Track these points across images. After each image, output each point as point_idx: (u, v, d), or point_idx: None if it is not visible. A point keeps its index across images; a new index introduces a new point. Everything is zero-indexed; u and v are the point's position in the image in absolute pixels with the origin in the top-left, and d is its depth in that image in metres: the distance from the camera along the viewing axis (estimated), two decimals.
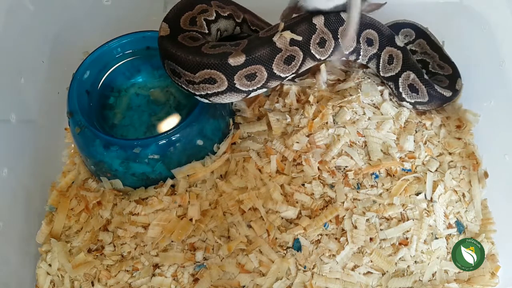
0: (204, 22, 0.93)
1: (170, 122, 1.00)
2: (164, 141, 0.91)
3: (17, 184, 0.92)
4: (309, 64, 0.93)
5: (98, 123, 0.99)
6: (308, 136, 1.00)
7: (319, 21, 0.89)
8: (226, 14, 0.98)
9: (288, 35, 0.85)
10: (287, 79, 0.95)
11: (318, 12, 0.88)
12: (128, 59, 1.06)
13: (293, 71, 0.90)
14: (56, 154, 1.06)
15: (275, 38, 0.84)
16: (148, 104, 1.03)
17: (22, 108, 0.97)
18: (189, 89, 0.89)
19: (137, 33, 1.04)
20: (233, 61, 0.82)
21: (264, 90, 0.91)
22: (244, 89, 0.87)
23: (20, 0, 0.98)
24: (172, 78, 0.90)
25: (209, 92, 0.87)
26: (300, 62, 0.89)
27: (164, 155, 0.92)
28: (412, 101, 1.02)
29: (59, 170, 1.04)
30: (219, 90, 0.87)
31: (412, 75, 0.99)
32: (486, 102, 1.04)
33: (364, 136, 0.99)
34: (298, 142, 0.99)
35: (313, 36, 0.89)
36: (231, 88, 0.86)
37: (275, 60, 0.85)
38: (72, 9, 1.12)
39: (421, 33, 1.13)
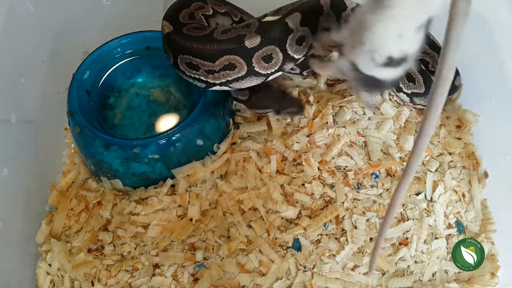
0: (202, 17, 0.93)
1: (170, 122, 1.00)
2: (164, 141, 0.91)
3: (17, 184, 0.92)
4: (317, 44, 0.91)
5: (98, 123, 0.99)
6: (308, 136, 1.00)
7: (326, 2, 0.89)
8: (223, 11, 0.98)
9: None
10: (295, 71, 0.96)
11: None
12: (128, 59, 1.06)
13: (304, 52, 0.89)
14: (56, 154, 1.06)
15: (287, 20, 0.84)
16: (148, 104, 1.03)
17: (22, 108, 0.97)
18: (208, 80, 0.87)
19: (137, 33, 1.04)
20: (249, 43, 0.82)
21: (280, 73, 0.90)
22: (263, 72, 0.86)
23: (20, 0, 0.98)
24: (186, 73, 0.88)
25: (229, 78, 0.86)
26: (310, 42, 0.88)
27: (164, 155, 0.92)
28: (409, 91, 1.01)
29: (59, 170, 1.04)
30: (239, 75, 0.85)
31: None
32: (486, 102, 1.04)
33: (364, 136, 1.00)
34: (298, 142, 0.99)
35: (320, 19, 0.89)
36: (251, 72, 0.85)
37: (288, 40, 0.84)
38: (72, 9, 1.12)
39: None
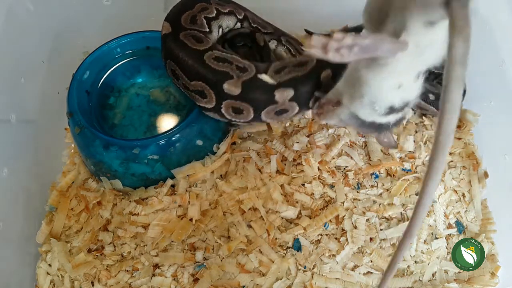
0: (204, 21, 0.92)
1: (170, 122, 1.00)
2: (164, 141, 0.91)
3: (17, 184, 0.92)
4: (301, 115, 0.93)
5: (98, 123, 0.99)
6: (308, 136, 1.00)
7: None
8: (226, 11, 0.98)
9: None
10: None
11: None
12: (128, 59, 1.06)
13: (282, 120, 0.87)
14: (56, 154, 1.06)
15: (276, 93, 0.80)
16: (148, 104, 1.03)
17: (22, 108, 0.97)
18: (184, 93, 0.89)
19: (137, 33, 1.04)
20: (227, 88, 0.80)
21: (247, 124, 0.90)
22: (228, 117, 0.86)
23: (20, 0, 0.98)
24: (171, 79, 0.90)
25: (197, 103, 0.87)
26: (293, 114, 0.86)
27: (163, 155, 0.92)
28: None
29: (59, 170, 1.04)
30: (206, 106, 0.86)
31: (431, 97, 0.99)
32: (486, 102, 1.04)
33: (364, 136, 1.00)
34: (298, 142, 0.99)
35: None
36: (217, 110, 0.85)
37: (267, 109, 0.82)
38: (72, 9, 1.12)
39: None
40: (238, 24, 1.02)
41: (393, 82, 0.61)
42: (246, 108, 0.82)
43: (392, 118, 0.70)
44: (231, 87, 0.80)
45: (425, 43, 0.53)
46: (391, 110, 0.66)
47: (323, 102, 0.77)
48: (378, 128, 0.74)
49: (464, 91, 1.04)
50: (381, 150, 0.99)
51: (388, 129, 0.77)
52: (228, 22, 0.99)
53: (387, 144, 0.82)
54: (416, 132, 1.02)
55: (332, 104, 0.75)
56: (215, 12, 0.95)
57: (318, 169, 0.96)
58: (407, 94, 0.64)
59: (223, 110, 0.84)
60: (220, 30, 0.98)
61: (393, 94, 0.64)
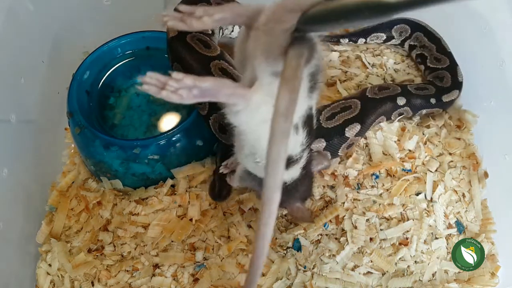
0: None
1: (170, 122, 0.99)
2: (164, 141, 0.91)
3: (17, 184, 0.92)
4: None
5: (98, 123, 0.99)
6: None
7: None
8: None
9: None
10: None
11: None
12: (128, 59, 1.06)
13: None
14: (56, 154, 1.06)
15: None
16: (148, 104, 1.03)
17: (22, 108, 0.97)
18: None
19: (137, 33, 1.04)
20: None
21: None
22: (213, 130, 0.87)
23: (20, 0, 0.98)
24: None
25: (195, 107, 0.88)
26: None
27: (164, 156, 0.92)
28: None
29: (59, 170, 1.04)
30: (201, 112, 0.87)
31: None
32: (486, 102, 1.04)
33: (366, 138, 0.99)
34: None
35: None
36: (206, 120, 0.87)
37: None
38: (72, 9, 1.12)
39: (416, 26, 1.12)
40: (236, 27, 1.02)
41: (264, 132, 0.56)
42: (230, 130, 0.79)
43: (287, 174, 0.66)
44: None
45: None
46: None
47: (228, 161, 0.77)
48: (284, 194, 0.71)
49: (460, 83, 1.03)
50: (383, 152, 0.99)
51: (294, 198, 0.74)
52: (227, 25, 0.99)
53: (302, 219, 0.79)
54: (416, 132, 1.02)
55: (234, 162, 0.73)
56: None
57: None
58: (290, 146, 0.60)
59: (210, 122, 0.85)
60: (221, 32, 0.98)
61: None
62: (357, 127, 0.85)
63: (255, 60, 0.50)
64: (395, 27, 1.13)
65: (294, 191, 0.72)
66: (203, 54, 0.84)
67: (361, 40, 1.15)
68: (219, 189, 0.87)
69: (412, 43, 1.12)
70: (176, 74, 0.45)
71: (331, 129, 0.84)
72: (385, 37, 1.15)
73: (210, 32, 0.93)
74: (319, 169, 0.84)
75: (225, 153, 0.87)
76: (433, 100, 0.99)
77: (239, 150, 0.65)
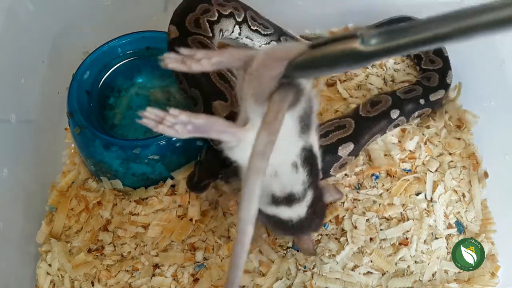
0: (207, 24, 0.92)
1: None
2: (165, 142, 0.91)
3: (17, 184, 0.92)
4: None
5: (98, 123, 0.99)
6: None
7: None
8: (227, 13, 0.97)
9: None
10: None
11: None
12: (128, 59, 1.06)
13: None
14: (56, 154, 1.06)
15: None
16: (148, 104, 1.03)
17: (22, 108, 0.97)
18: (183, 95, 0.89)
19: (137, 33, 1.03)
20: (214, 107, 0.80)
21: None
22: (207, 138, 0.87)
23: (20, 0, 0.98)
24: (177, 81, 0.90)
25: (189, 109, 0.87)
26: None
27: (164, 156, 0.92)
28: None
29: (59, 170, 1.04)
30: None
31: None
32: (486, 102, 1.04)
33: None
34: None
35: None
36: None
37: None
38: (72, 9, 1.11)
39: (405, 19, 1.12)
40: (237, 28, 1.02)
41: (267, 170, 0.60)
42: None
43: (287, 213, 0.68)
44: (218, 109, 0.79)
45: None
46: (276, 199, 0.65)
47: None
48: (283, 227, 0.72)
49: (448, 85, 1.02)
50: (383, 152, 0.99)
51: (293, 232, 0.76)
52: (228, 26, 0.99)
53: (306, 250, 0.81)
54: (416, 132, 1.03)
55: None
56: (217, 14, 0.95)
57: None
58: (287, 184, 0.64)
59: None
60: (221, 34, 0.98)
61: (271, 182, 0.63)
62: (350, 146, 0.84)
63: (246, 102, 0.54)
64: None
65: (307, 224, 0.73)
66: None
67: None
68: (198, 180, 0.85)
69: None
70: (173, 111, 0.51)
71: (323, 147, 0.83)
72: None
73: (211, 34, 0.93)
74: (331, 201, 0.84)
75: (210, 145, 0.88)
76: (422, 101, 0.98)
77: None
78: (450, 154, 1.02)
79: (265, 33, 1.06)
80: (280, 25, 1.10)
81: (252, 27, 1.04)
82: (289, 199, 0.66)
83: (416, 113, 0.99)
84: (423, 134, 1.02)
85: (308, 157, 0.62)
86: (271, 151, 0.47)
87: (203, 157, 0.90)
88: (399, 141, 1.00)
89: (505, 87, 0.99)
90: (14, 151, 0.93)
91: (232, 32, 1.03)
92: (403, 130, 1.02)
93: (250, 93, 0.52)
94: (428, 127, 1.03)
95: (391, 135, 1.00)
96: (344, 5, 1.16)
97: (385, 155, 0.99)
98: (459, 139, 1.03)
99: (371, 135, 0.89)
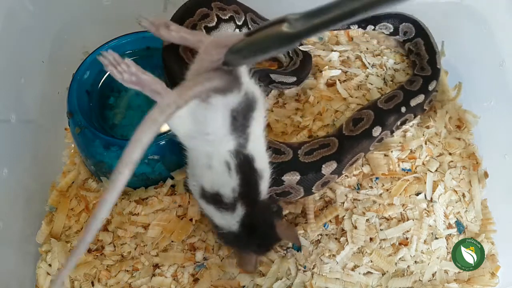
0: (204, 30, 0.92)
1: None
2: (164, 142, 0.91)
3: (17, 184, 0.92)
4: None
5: (98, 123, 0.99)
6: (309, 137, 1.00)
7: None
8: (227, 17, 0.97)
9: None
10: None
11: None
12: (128, 59, 1.06)
13: None
14: (56, 154, 1.06)
15: None
16: (148, 104, 1.02)
17: (22, 108, 0.97)
18: None
19: (137, 33, 1.03)
20: None
21: None
22: None
23: (20, 0, 0.98)
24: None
25: None
26: None
27: (164, 156, 0.92)
28: None
29: (59, 170, 1.04)
30: None
31: None
32: (486, 102, 1.04)
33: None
34: None
35: None
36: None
37: None
38: (72, 9, 1.12)
39: (421, 32, 1.11)
40: (237, 31, 1.02)
41: (203, 159, 0.63)
42: None
43: (218, 219, 0.71)
44: None
45: (200, 118, 0.56)
46: (204, 194, 0.67)
47: None
48: (226, 239, 0.75)
49: (428, 91, 1.00)
50: (384, 156, 0.99)
51: (241, 250, 0.78)
52: (227, 30, 0.99)
53: (244, 266, 0.81)
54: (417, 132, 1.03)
55: None
56: (216, 20, 0.94)
57: None
58: (216, 181, 0.65)
59: None
60: None
61: (204, 173, 0.65)
62: (333, 165, 0.84)
63: (187, 79, 0.58)
64: (403, 23, 1.13)
65: (244, 243, 0.75)
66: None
67: (370, 27, 1.15)
68: None
69: (411, 47, 1.12)
70: (128, 60, 0.56)
71: (308, 163, 0.83)
72: (392, 30, 1.14)
73: None
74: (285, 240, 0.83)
75: None
76: (403, 109, 0.96)
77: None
78: (450, 154, 1.02)
79: None
80: None
81: (252, 29, 1.04)
82: (216, 200, 0.67)
83: (399, 122, 0.98)
84: (423, 134, 1.02)
85: (243, 165, 0.63)
86: (173, 112, 0.51)
87: None
88: (400, 142, 1.00)
89: (505, 87, 0.99)
90: (14, 151, 0.93)
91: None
92: (405, 130, 1.02)
93: (191, 73, 0.56)
94: (428, 127, 1.03)
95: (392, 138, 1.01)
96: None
97: (385, 155, 0.99)
98: (459, 139, 1.03)
99: (353, 154, 0.88)
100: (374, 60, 1.14)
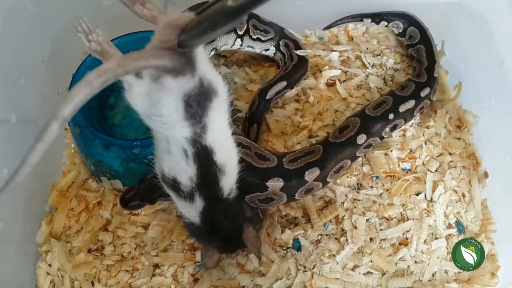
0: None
1: None
2: None
3: (17, 184, 0.92)
4: None
5: (98, 123, 0.99)
6: (309, 137, 1.00)
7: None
8: None
9: None
10: None
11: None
12: None
13: None
14: (56, 154, 1.06)
15: None
16: None
17: (22, 108, 0.97)
18: None
19: (137, 33, 1.03)
20: None
21: None
22: None
23: (20, 0, 0.98)
24: None
25: None
26: None
27: None
28: None
29: (59, 170, 1.04)
30: None
31: None
32: (486, 102, 1.04)
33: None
34: (299, 143, 0.99)
35: None
36: None
37: None
38: (72, 9, 1.11)
39: (425, 39, 1.10)
40: (238, 40, 1.02)
41: (163, 143, 0.62)
42: None
43: (181, 207, 0.71)
44: None
45: (154, 99, 0.55)
46: (164, 179, 0.67)
47: None
48: (191, 230, 0.75)
49: (420, 97, 0.98)
50: (385, 155, 0.99)
51: (209, 244, 0.77)
52: (227, 41, 0.99)
53: (205, 260, 0.80)
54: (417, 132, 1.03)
55: None
56: None
57: None
58: (174, 167, 0.64)
59: None
60: (214, 51, 0.98)
61: (164, 157, 0.64)
62: (316, 171, 0.83)
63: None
64: (411, 27, 1.12)
65: (207, 237, 0.75)
66: None
67: (383, 23, 1.15)
68: (130, 198, 0.82)
69: (413, 52, 1.11)
70: (99, 31, 0.57)
71: (291, 170, 0.82)
72: (401, 30, 1.14)
73: None
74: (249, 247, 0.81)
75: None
76: (391, 116, 0.94)
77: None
78: (450, 154, 1.02)
79: (265, 38, 1.07)
80: (281, 24, 1.10)
81: (253, 36, 1.04)
82: (175, 187, 0.66)
83: (387, 129, 0.95)
84: (423, 134, 1.02)
85: (201, 156, 0.62)
86: (110, 78, 0.51)
87: (149, 178, 0.83)
88: (400, 142, 1.00)
89: (505, 87, 0.99)
90: (14, 151, 0.92)
91: (233, 45, 1.03)
92: (404, 130, 1.02)
93: (143, 51, 0.55)
94: (428, 127, 1.03)
95: (393, 136, 1.01)
96: (344, 5, 1.16)
97: (385, 154, 0.99)
98: (459, 139, 1.03)
99: (337, 161, 0.86)
100: (374, 60, 1.14)
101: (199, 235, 0.78)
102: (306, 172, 0.82)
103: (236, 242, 0.78)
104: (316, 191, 0.90)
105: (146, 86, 0.55)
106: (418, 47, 1.10)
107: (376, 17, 1.15)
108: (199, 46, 0.55)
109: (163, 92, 0.54)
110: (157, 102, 0.55)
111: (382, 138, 0.96)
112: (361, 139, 0.90)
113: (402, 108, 0.96)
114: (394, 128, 0.98)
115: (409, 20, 1.13)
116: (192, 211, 0.70)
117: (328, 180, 0.87)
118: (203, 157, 0.62)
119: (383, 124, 0.94)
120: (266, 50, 1.10)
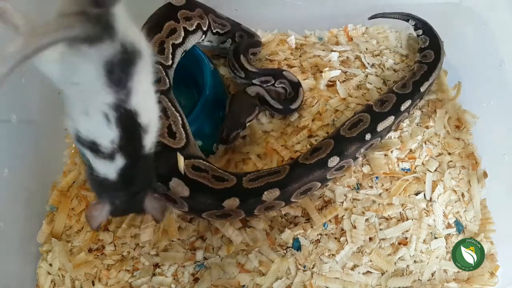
0: (170, 49, 0.91)
1: None
2: None
3: (17, 184, 0.92)
4: None
5: None
6: (308, 137, 1.00)
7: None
8: (193, 27, 0.97)
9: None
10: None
11: None
12: None
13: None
14: (56, 154, 1.06)
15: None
16: None
17: (22, 108, 0.97)
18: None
19: None
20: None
21: None
22: None
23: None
24: None
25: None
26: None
27: None
28: None
29: (59, 170, 1.04)
30: None
31: None
32: (485, 102, 1.04)
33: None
34: (298, 143, 0.99)
35: None
36: None
37: None
38: None
39: (435, 46, 1.08)
40: (203, 37, 1.02)
41: (80, 104, 0.57)
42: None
43: (101, 167, 0.63)
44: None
45: (69, 66, 0.50)
46: (79, 139, 0.61)
47: None
48: (106, 190, 0.67)
49: (399, 111, 0.96)
50: (384, 155, 0.99)
51: (111, 199, 0.69)
52: (194, 39, 0.99)
53: (90, 219, 0.71)
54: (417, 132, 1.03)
55: None
56: (183, 35, 0.94)
57: None
58: (95, 132, 0.59)
59: None
60: (184, 53, 0.97)
61: (80, 119, 0.59)
62: (276, 192, 0.81)
63: None
64: (424, 36, 1.11)
65: (116, 192, 0.68)
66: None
67: (411, 22, 1.14)
68: (227, 133, 0.92)
69: (420, 58, 1.09)
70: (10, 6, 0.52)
71: (249, 189, 0.81)
72: (419, 34, 1.13)
73: (170, 62, 0.91)
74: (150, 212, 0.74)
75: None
76: (368, 136, 0.90)
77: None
78: (449, 154, 1.02)
79: (223, 32, 1.07)
80: (281, 25, 1.11)
81: (213, 30, 1.04)
82: (93, 148, 0.61)
83: (362, 149, 0.92)
84: (422, 134, 1.02)
85: (125, 119, 0.57)
86: (20, 62, 0.47)
87: (227, 109, 0.95)
88: (401, 141, 1.00)
89: (504, 87, 0.99)
90: (14, 151, 0.93)
91: (201, 42, 1.04)
92: (401, 128, 1.02)
93: (54, 16, 0.50)
94: (427, 127, 1.04)
95: (392, 136, 1.01)
96: (344, 5, 1.17)
97: (385, 155, 0.99)
98: (458, 139, 1.04)
99: (302, 183, 0.84)
100: (374, 60, 1.14)
101: (105, 188, 0.68)
102: (265, 192, 0.80)
103: (137, 206, 0.71)
104: (278, 208, 0.89)
105: (61, 53, 0.49)
106: (427, 53, 1.08)
107: (408, 16, 1.13)
108: (118, 3, 0.49)
109: (80, 58, 0.48)
110: (74, 69, 0.50)
111: (355, 159, 0.93)
112: (333, 161, 0.87)
113: (381, 127, 0.92)
114: (369, 148, 0.95)
115: (427, 27, 1.12)
116: (111, 169, 0.64)
117: (292, 200, 0.86)
118: (128, 120, 0.57)
119: (358, 146, 0.90)
120: (223, 43, 1.10)
